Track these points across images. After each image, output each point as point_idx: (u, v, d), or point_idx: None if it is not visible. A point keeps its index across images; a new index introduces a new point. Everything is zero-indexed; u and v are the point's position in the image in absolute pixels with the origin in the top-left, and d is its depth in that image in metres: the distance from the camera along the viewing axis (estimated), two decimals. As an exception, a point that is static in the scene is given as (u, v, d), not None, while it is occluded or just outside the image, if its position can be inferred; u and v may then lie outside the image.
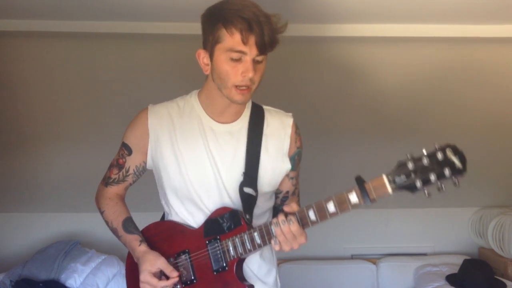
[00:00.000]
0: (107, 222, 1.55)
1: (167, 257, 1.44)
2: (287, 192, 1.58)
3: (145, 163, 1.52)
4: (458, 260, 3.13)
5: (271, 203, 1.57)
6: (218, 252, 1.40)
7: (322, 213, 1.29)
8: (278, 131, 1.51)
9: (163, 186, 1.51)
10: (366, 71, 2.49)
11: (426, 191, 1.19)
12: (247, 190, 1.44)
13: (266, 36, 1.29)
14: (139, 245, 1.46)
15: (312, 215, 1.30)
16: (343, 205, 1.27)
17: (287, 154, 1.51)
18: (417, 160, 1.19)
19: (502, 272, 3.13)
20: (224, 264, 1.39)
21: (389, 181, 1.22)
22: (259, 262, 1.52)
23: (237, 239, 1.37)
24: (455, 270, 3.05)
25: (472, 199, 3.36)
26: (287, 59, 2.29)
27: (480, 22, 2.16)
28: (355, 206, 1.26)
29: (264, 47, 1.31)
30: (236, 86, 1.34)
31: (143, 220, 1.59)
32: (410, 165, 1.19)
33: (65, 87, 2.58)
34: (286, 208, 1.33)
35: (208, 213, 1.45)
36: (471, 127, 2.86)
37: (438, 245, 3.51)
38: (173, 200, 1.50)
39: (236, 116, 1.48)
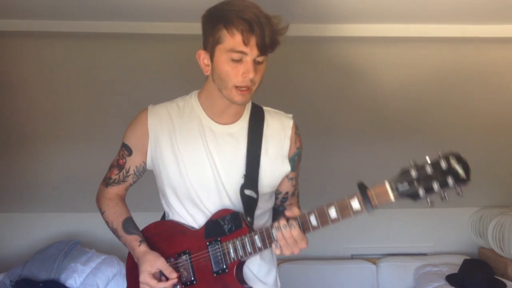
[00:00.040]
0: (107, 223, 1.55)
1: (167, 257, 1.44)
2: (287, 193, 1.58)
3: (145, 164, 1.52)
4: (458, 260, 3.13)
5: (271, 204, 1.57)
6: (219, 254, 1.40)
7: (324, 219, 1.29)
8: (278, 132, 1.50)
9: (163, 186, 1.51)
10: (366, 71, 2.49)
11: (428, 200, 1.19)
12: (248, 192, 1.44)
13: (267, 37, 1.29)
14: (139, 245, 1.46)
15: (313, 220, 1.30)
16: (344, 211, 1.27)
17: (287, 156, 1.51)
18: (420, 168, 1.18)
19: (502, 272, 3.13)
20: (224, 266, 1.39)
21: (392, 189, 1.21)
22: (259, 263, 1.52)
23: (237, 242, 1.37)
24: (455, 270, 3.05)
25: (472, 199, 3.36)
26: (287, 59, 2.29)
27: (480, 22, 2.16)
28: (356, 212, 1.26)
29: (265, 48, 1.31)
30: (237, 87, 1.34)
31: (143, 220, 1.59)
32: (413, 173, 1.18)
33: (65, 87, 2.58)
34: (287, 213, 1.32)
35: (208, 213, 1.45)
36: (471, 127, 2.86)
37: (438, 245, 3.51)
38: (173, 200, 1.50)
39: (236, 117, 1.48)
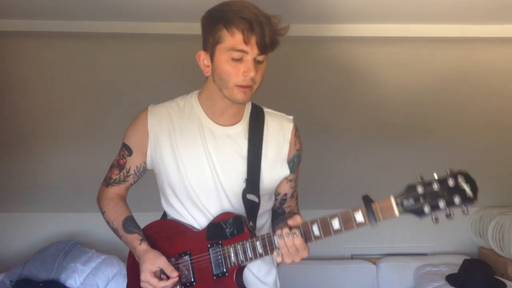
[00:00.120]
0: (108, 223, 1.55)
1: (168, 257, 1.44)
2: (285, 194, 1.58)
3: (146, 164, 1.52)
4: (458, 260, 3.13)
5: (270, 204, 1.57)
6: (219, 257, 1.40)
7: (327, 229, 1.29)
8: (278, 135, 1.50)
9: (163, 186, 1.51)
10: (366, 71, 2.49)
11: (433, 217, 1.19)
12: (250, 197, 1.44)
13: (267, 36, 1.30)
14: (140, 244, 1.46)
15: (316, 230, 1.30)
16: (348, 223, 1.27)
17: (286, 159, 1.51)
18: (427, 184, 1.18)
19: (502, 272, 3.13)
20: (225, 270, 1.39)
21: (397, 204, 1.21)
22: (259, 263, 1.52)
23: (239, 246, 1.37)
24: (455, 270, 3.05)
25: (472, 199, 3.35)
26: (287, 59, 2.29)
27: (480, 22, 2.16)
28: (360, 225, 1.26)
29: (265, 46, 1.31)
30: (238, 86, 1.33)
31: (143, 220, 1.59)
32: (420, 189, 1.18)
33: (65, 87, 2.58)
34: (290, 222, 1.32)
35: (208, 214, 1.46)
36: (470, 126, 2.86)
37: (438, 245, 3.51)
38: (173, 199, 1.50)
39: (236, 119, 1.48)
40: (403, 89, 2.60)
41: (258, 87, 1.38)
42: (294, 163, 1.53)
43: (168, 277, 1.41)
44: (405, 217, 1.22)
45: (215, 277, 1.40)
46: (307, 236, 1.30)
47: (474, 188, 1.14)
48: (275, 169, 1.49)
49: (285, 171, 1.51)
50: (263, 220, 1.54)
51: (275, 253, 1.33)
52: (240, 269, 1.41)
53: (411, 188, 1.20)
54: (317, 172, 2.92)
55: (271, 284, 1.56)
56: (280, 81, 2.41)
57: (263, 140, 1.47)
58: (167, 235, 1.50)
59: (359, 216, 1.25)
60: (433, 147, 2.97)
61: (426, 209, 1.18)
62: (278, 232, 1.31)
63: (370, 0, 1.98)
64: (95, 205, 1.61)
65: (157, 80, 2.49)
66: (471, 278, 2.87)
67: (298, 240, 1.29)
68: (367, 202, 1.24)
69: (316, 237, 1.30)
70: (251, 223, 1.43)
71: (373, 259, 3.42)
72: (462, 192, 1.14)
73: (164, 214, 1.60)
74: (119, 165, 1.54)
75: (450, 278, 2.99)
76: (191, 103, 1.50)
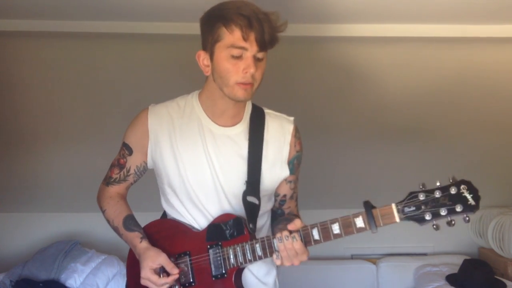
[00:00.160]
0: (108, 221, 1.55)
1: (167, 256, 1.44)
2: (284, 195, 1.58)
3: (146, 163, 1.52)
4: (458, 260, 3.13)
5: (270, 205, 1.57)
6: (219, 258, 1.40)
7: (326, 234, 1.29)
8: (278, 137, 1.50)
9: (163, 185, 1.51)
10: (366, 71, 2.49)
11: (434, 224, 1.19)
12: (251, 199, 1.44)
13: (266, 32, 1.30)
14: (140, 242, 1.46)
15: (316, 234, 1.30)
16: (348, 228, 1.26)
17: (286, 160, 1.51)
18: (429, 192, 1.18)
19: (502, 272, 3.13)
20: (224, 271, 1.39)
21: (398, 211, 1.21)
22: (259, 263, 1.51)
23: (238, 248, 1.37)
24: (455, 270, 3.05)
25: (472, 199, 3.35)
26: (287, 59, 2.29)
27: (480, 22, 2.16)
28: (360, 230, 1.26)
29: (264, 43, 1.31)
30: (239, 83, 1.33)
31: (143, 220, 1.59)
32: (422, 197, 1.18)
33: (65, 87, 2.58)
34: (290, 227, 1.31)
35: (207, 214, 1.46)
36: (470, 126, 2.86)
37: (438, 245, 3.51)
38: (173, 199, 1.50)
39: (236, 119, 1.48)
40: (403, 89, 2.60)
41: (259, 86, 1.38)
42: (294, 164, 1.53)
43: (168, 275, 1.41)
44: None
45: (214, 278, 1.40)
46: (306, 240, 1.30)
47: (476, 198, 1.14)
48: (275, 170, 1.49)
49: (285, 172, 1.51)
50: (263, 221, 1.54)
51: (274, 256, 1.32)
52: (239, 270, 1.41)
53: (413, 196, 1.20)
54: (317, 172, 2.92)
55: (270, 284, 1.56)
56: (280, 81, 2.41)
57: (264, 141, 1.47)
58: (167, 234, 1.50)
59: (359, 222, 1.25)
60: (433, 147, 2.97)
61: (428, 216, 1.18)
62: (278, 235, 1.31)
63: (370, 0, 1.98)
64: (95, 205, 1.61)
65: (157, 80, 2.49)
66: (471, 278, 2.87)
67: (297, 244, 1.29)
68: (368, 208, 1.24)
69: (316, 241, 1.30)
70: (251, 225, 1.43)
71: (373, 259, 3.42)
72: (464, 200, 1.14)
73: (164, 214, 1.60)
74: (119, 164, 1.54)
75: (450, 278, 2.99)
76: (192, 103, 1.50)
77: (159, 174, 1.52)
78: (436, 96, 2.65)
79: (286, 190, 1.57)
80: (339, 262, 3.39)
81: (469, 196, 1.14)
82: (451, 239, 3.50)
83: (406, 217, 1.20)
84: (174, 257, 1.45)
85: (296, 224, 1.31)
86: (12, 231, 3.43)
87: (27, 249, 3.32)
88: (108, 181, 1.57)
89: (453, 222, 1.17)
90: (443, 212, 1.16)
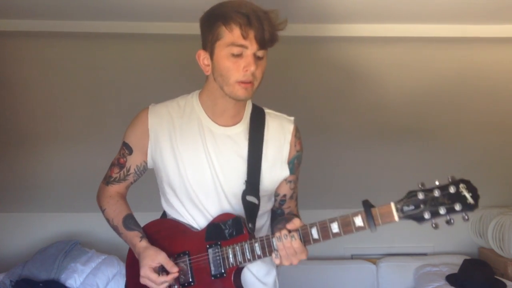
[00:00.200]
0: (108, 220, 1.55)
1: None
2: (284, 195, 1.58)
3: (146, 163, 1.52)
4: (458, 260, 3.13)
5: (270, 205, 1.57)
6: (218, 257, 1.40)
7: (325, 233, 1.28)
8: (278, 137, 1.50)
9: (163, 185, 1.51)
10: (366, 71, 2.49)
11: (433, 223, 1.19)
12: (250, 198, 1.44)
13: (266, 30, 1.30)
14: (140, 241, 1.46)
15: (315, 233, 1.29)
16: (347, 227, 1.26)
17: (286, 160, 1.51)
18: (428, 191, 1.18)
19: (502, 272, 3.13)
20: (223, 271, 1.39)
21: (397, 210, 1.21)
22: (259, 263, 1.51)
23: (237, 247, 1.37)
24: (455, 270, 3.05)
25: (472, 199, 3.35)
26: (287, 59, 2.29)
27: (480, 22, 2.16)
28: (359, 229, 1.25)
29: (264, 41, 1.31)
30: (239, 82, 1.33)
31: (143, 220, 1.59)
32: (421, 196, 1.18)
33: (65, 87, 2.58)
34: (289, 226, 1.31)
35: (207, 214, 1.46)
36: (470, 126, 2.86)
37: (438, 245, 3.52)
38: (173, 199, 1.50)
39: (237, 119, 1.48)
40: (403, 89, 2.60)
41: (259, 85, 1.38)
42: (294, 164, 1.53)
43: (167, 274, 1.41)
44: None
45: (213, 278, 1.40)
46: (305, 239, 1.30)
47: (475, 196, 1.14)
48: (275, 170, 1.49)
49: (285, 172, 1.51)
50: (263, 221, 1.54)
51: (273, 255, 1.33)
52: (239, 270, 1.41)
53: (412, 195, 1.20)
54: (317, 172, 2.92)
55: (270, 284, 1.56)
56: (280, 81, 2.41)
57: (264, 141, 1.47)
58: (167, 234, 1.50)
59: (358, 221, 1.25)
60: (433, 147, 2.97)
61: (426, 215, 1.18)
62: (277, 234, 1.31)
63: (369, 0, 1.98)
64: (95, 205, 1.61)
65: (157, 80, 2.49)
66: (471, 278, 2.87)
67: (296, 243, 1.29)
68: (367, 207, 1.24)
69: (315, 240, 1.30)
70: (250, 225, 1.43)
71: (373, 259, 3.42)
72: (463, 199, 1.14)
73: (164, 214, 1.60)
74: (119, 163, 1.54)
75: (450, 278, 2.99)
76: (192, 103, 1.50)
77: (159, 173, 1.52)
78: (436, 96, 2.65)
79: (286, 190, 1.57)
80: (339, 262, 3.40)
81: (468, 195, 1.14)
82: (451, 239, 3.50)
83: (405, 216, 1.20)
84: (174, 256, 1.45)
85: (295, 223, 1.31)
86: (12, 231, 3.43)
87: (27, 249, 3.32)
88: (108, 180, 1.57)
89: (452, 221, 1.17)
90: (442, 211, 1.16)
